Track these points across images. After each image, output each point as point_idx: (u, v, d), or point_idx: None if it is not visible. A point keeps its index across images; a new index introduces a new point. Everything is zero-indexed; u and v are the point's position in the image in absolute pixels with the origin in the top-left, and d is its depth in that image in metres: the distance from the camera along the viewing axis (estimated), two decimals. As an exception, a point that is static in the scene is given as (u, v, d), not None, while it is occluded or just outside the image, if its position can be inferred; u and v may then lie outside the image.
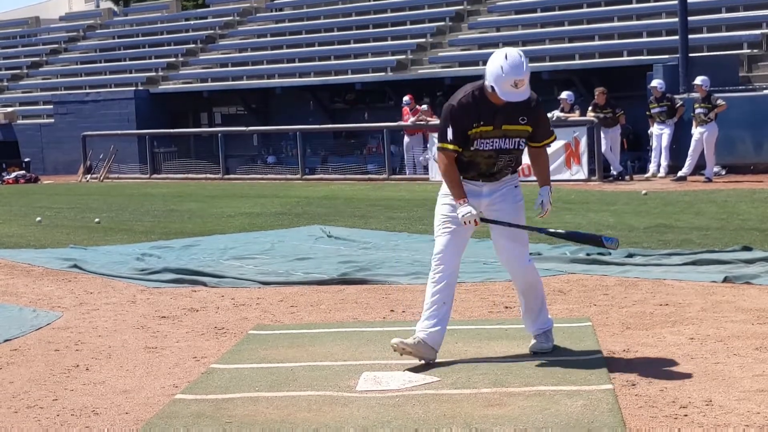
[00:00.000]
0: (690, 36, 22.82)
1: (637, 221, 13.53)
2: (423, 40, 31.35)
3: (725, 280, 8.79)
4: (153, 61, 38.05)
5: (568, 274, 9.52)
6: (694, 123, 20.59)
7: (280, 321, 7.92)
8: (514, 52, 6.10)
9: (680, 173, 20.60)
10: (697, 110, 20.48)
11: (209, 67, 36.02)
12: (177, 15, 42.08)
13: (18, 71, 42.72)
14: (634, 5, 27.91)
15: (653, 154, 21.78)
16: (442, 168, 6.33)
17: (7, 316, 8.34)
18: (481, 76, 6.26)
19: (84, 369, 6.47)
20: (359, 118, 29.70)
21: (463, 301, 8.25)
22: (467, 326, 7.31)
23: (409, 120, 25.11)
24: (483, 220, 6.27)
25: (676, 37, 22.91)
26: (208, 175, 28.53)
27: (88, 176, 30.99)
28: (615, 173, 21.76)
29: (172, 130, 31.69)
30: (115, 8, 49.80)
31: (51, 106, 35.75)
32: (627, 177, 21.68)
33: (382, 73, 30.19)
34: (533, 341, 6.47)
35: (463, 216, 6.17)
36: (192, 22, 40.35)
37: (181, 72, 36.54)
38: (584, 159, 21.67)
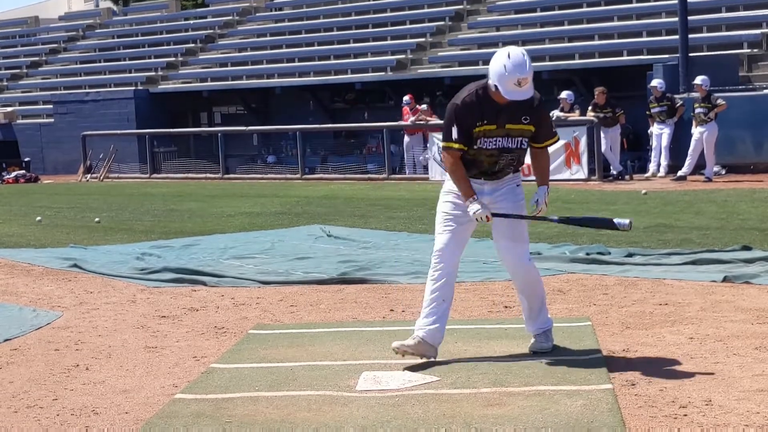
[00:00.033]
0: (690, 35, 22.81)
1: (637, 221, 13.42)
2: (423, 39, 31.34)
3: (725, 279, 8.79)
4: (152, 60, 38.04)
5: (567, 274, 9.52)
6: (694, 123, 20.58)
7: (280, 320, 7.93)
8: (517, 51, 6.12)
9: (680, 173, 20.60)
10: (697, 110, 20.47)
11: (209, 67, 36.02)
12: (176, 15, 42.07)
13: (17, 71, 42.71)
14: (634, 5, 27.90)
15: (653, 153, 21.78)
16: (448, 167, 6.35)
17: (7, 315, 8.34)
18: (480, 76, 6.28)
19: (84, 369, 6.47)
20: (359, 118, 29.70)
21: (462, 301, 8.25)
22: (467, 326, 7.32)
23: (409, 120, 25.11)
24: (494, 215, 6.28)
25: (676, 37, 22.91)
26: (208, 175, 28.52)
27: (88, 176, 30.99)
28: (615, 173, 21.76)
29: (171, 130, 31.68)
30: (115, 8, 49.77)
31: (51, 106, 35.74)
32: (627, 177, 21.68)
33: (382, 73, 30.19)
34: (533, 341, 6.48)
35: (474, 213, 6.19)
36: (191, 22, 40.34)
37: (180, 72, 36.53)
38: (584, 159, 21.67)
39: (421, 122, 24.69)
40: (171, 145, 31.50)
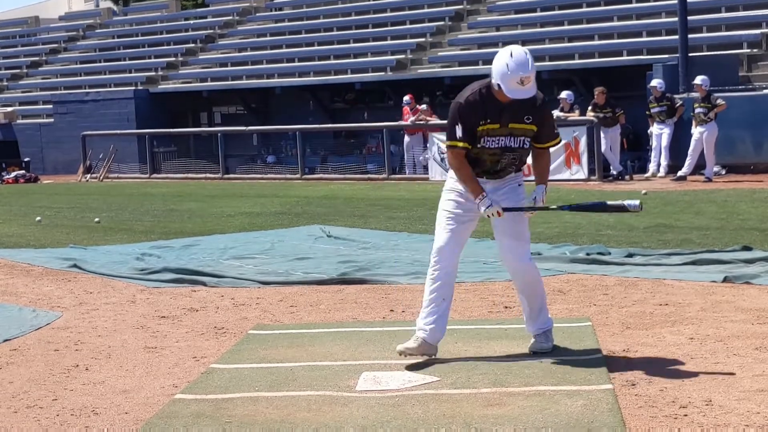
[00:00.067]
0: (690, 35, 22.82)
1: (637, 221, 13.52)
2: (423, 39, 31.35)
3: (725, 279, 8.79)
4: (152, 60, 38.05)
5: (568, 274, 9.52)
6: (693, 123, 20.59)
7: (280, 321, 7.92)
8: (520, 50, 6.14)
9: (680, 173, 20.60)
10: (697, 110, 20.48)
11: (209, 67, 36.02)
12: (176, 15, 42.08)
13: (18, 71, 42.72)
14: (634, 5, 27.91)
15: (653, 153, 21.78)
16: (453, 166, 6.35)
17: (7, 316, 8.34)
18: (480, 76, 6.29)
19: (84, 369, 6.47)
20: (359, 118, 29.70)
21: (462, 301, 8.25)
22: (467, 326, 7.31)
23: (408, 120, 25.11)
24: (506, 209, 6.29)
25: (676, 37, 22.91)
26: (208, 175, 28.53)
27: (88, 176, 30.99)
28: (615, 173, 21.76)
29: (171, 130, 31.69)
30: (115, 8, 49.79)
31: (51, 106, 35.75)
32: (627, 177, 21.68)
33: (382, 73, 30.19)
34: (533, 341, 6.48)
35: (486, 210, 6.21)
36: (191, 22, 40.35)
37: (180, 72, 36.54)
38: (584, 159, 21.67)
39: (421, 122, 24.69)
40: (171, 145, 31.51)
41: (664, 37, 25.48)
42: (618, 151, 22.11)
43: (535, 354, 6.36)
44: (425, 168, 24.74)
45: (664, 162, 21.50)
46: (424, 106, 25.11)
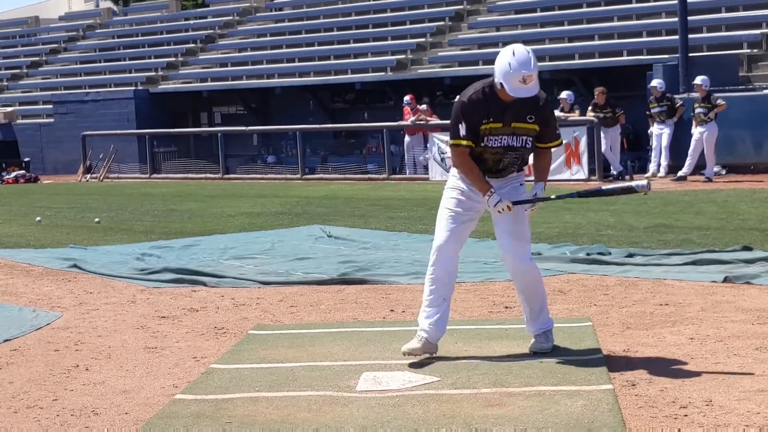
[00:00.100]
0: (690, 36, 22.82)
1: (637, 221, 13.53)
2: (423, 39, 31.35)
3: (725, 280, 8.78)
4: (153, 60, 38.05)
5: (568, 274, 9.51)
6: (694, 123, 20.59)
7: (280, 321, 7.92)
8: (522, 49, 6.15)
9: (680, 173, 20.60)
10: (697, 110, 20.48)
11: (209, 67, 36.02)
12: (177, 15, 42.08)
13: (18, 71, 42.72)
14: (634, 5, 27.91)
15: (653, 153, 21.78)
16: (458, 165, 6.36)
17: (7, 316, 8.34)
18: (481, 76, 6.31)
19: (84, 369, 6.47)
20: (359, 118, 29.70)
21: (463, 301, 8.25)
22: (467, 326, 7.31)
23: (409, 120, 25.11)
24: (515, 203, 6.29)
25: (676, 37, 22.91)
26: (208, 175, 28.53)
27: (88, 176, 30.99)
28: (615, 173, 21.76)
29: (171, 130, 31.69)
30: (115, 8, 49.79)
31: (51, 106, 35.75)
32: (627, 177, 21.65)
33: (382, 73, 30.19)
34: (533, 341, 6.47)
35: (496, 206, 6.22)
36: (192, 22, 40.35)
37: (180, 72, 36.54)
38: (584, 159, 21.67)
39: (421, 122, 24.69)
40: (171, 145, 31.52)
41: (665, 37, 25.48)
42: (618, 151, 22.11)
43: (535, 354, 6.36)
44: (425, 168, 24.73)
45: (664, 162, 21.50)
46: (424, 107, 25.11)
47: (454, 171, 6.50)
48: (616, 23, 27.63)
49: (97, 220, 16.46)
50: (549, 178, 6.59)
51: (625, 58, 25.52)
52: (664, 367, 5.97)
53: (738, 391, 5.41)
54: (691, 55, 22.59)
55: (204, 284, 9.67)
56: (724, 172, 21.10)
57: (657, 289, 8.62)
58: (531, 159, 6.55)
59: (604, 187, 6.89)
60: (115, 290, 9.56)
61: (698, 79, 20.34)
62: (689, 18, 22.83)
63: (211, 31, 38.54)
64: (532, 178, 6.46)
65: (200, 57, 37.00)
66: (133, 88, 34.94)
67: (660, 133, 21.46)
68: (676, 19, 23.08)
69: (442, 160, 23.07)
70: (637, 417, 5.05)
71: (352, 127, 29.07)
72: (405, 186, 22.66)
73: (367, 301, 8.63)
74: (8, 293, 9.54)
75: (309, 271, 10.28)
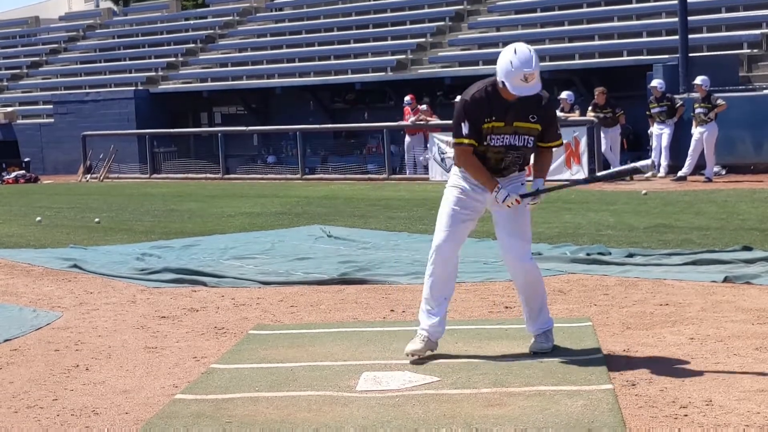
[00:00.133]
0: (690, 36, 22.82)
1: (637, 221, 13.53)
2: (423, 39, 31.35)
3: (725, 280, 8.78)
4: (153, 60, 38.06)
5: (568, 274, 9.51)
6: (694, 123, 20.59)
7: (280, 321, 7.92)
8: (524, 47, 6.17)
9: (680, 173, 20.61)
10: (697, 110, 20.48)
11: (209, 67, 36.03)
12: (177, 15, 42.08)
13: (18, 71, 42.73)
14: (634, 5, 27.91)
15: (653, 153, 21.76)
16: (463, 164, 6.36)
17: (7, 316, 8.34)
18: (481, 76, 6.31)
19: (84, 369, 6.47)
20: (359, 118, 29.71)
21: (463, 301, 8.25)
22: (467, 326, 7.31)
23: (409, 120, 25.11)
24: (523, 196, 6.30)
25: (676, 37, 22.91)
26: (208, 175, 28.53)
27: (88, 176, 31.00)
28: (615, 173, 21.73)
29: (171, 130, 31.70)
30: (115, 8, 49.80)
31: (51, 106, 35.76)
32: (627, 177, 21.66)
33: (382, 73, 30.20)
34: (533, 341, 6.48)
35: (504, 200, 6.23)
36: (192, 22, 40.35)
37: (180, 72, 36.54)
38: (584, 159, 21.67)
39: (421, 122, 24.69)
40: (171, 145, 31.52)
41: (665, 38, 25.48)
42: (618, 152, 22.12)
43: (535, 354, 6.36)
44: (426, 168, 24.74)
45: (664, 162, 21.50)
46: (424, 107, 25.11)
47: (455, 170, 6.51)
48: (616, 23, 27.63)
49: (97, 220, 16.46)
50: (549, 178, 6.59)
51: (625, 58, 25.53)
52: (664, 367, 5.97)
53: (738, 391, 5.42)
54: (691, 55, 22.60)
55: (204, 284, 9.67)
56: (724, 172, 21.10)
57: (657, 289, 8.62)
58: (531, 159, 6.55)
59: (610, 171, 6.91)
60: (116, 290, 9.56)
61: (698, 79, 20.34)
62: (689, 18, 22.83)
63: (211, 31, 38.55)
64: (531, 178, 6.46)
65: (200, 57, 37.01)
66: (133, 88, 34.94)
67: (660, 133, 21.46)
68: (676, 19, 23.09)
69: (442, 160, 23.08)
70: (637, 417, 5.05)
71: (352, 127, 29.07)
72: (405, 186, 22.67)
73: (367, 301, 8.63)
74: (8, 293, 9.54)
75: (309, 271, 10.28)
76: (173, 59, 37.37)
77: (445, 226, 6.38)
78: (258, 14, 38.45)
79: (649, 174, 6.62)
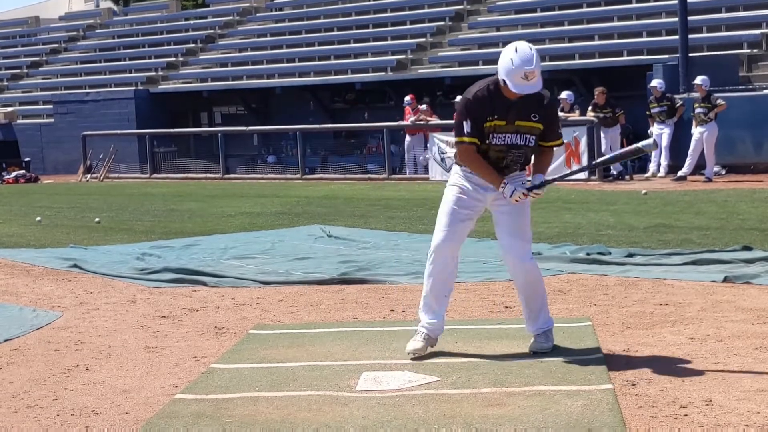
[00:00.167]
0: (690, 36, 22.82)
1: (637, 221, 13.53)
2: (423, 39, 31.35)
3: (725, 279, 8.78)
4: (153, 60, 38.06)
5: (568, 274, 9.51)
6: (694, 123, 20.60)
7: (280, 321, 7.92)
8: (525, 45, 6.19)
9: (680, 173, 20.61)
10: (697, 110, 20.49)
11: (209, 67, 36.03)
12: (177, 15, 42.09)
13: (18, 71, 42.73)
14: (634, 5, 27.91)
15: (653, 153, 21.77)
16: (466, 162, 6.36)
17: (7, 315, 8.34)
18: (481, 76, 6.32)
19: (84, 369, 6.47)
20: (359, 118, 29.71)
21: (463, 301, 8.25)
22: (467, 326, 7.31)
23: (409, 120, 25.11)
24: (529, 189, 6.30)
25: (676, 37, 22.92)
26: (208, 175, 28.53)
27: (88, 176, 31.00)
28: (615, 173, 21.76)
29: (172, 130, 31.70)
30: (115, 8, 49.80)
31: (51, 106, 35.76)
32: (627, 177, 21.68)
33: (382, 73, 30.20)
34: (533, 341, 6.48)
35: (512, 196, 6.24)
36: (192, 22, 40.36)
37: (180, 72, 36.54)
38: (584, 159, 21.67)
39: (421, 122, 24.69)
40: (171, 145, 31.52)
41: (665, 38, 25.48)
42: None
43: (535, 354, 6.36)
44: (426, 168, 24.73)
45: (664, 162, 21.51)
46: (424, 107, 25.11)
47: (455, 169, 6.51)
48: (616, 23, 27.63)
49: (97, 220, 16.46)
50: (548, 178, 6.59)
51: (625, 58, 25.53)
52: (664, 367, 5.97)
53: (738, 391, 5.42)
54: (691, 55, 22.60)
55: (204, 284, 9.67)
56: (724, 172, 21.10)
57: (657, 288, 8.62)
58: (532, 159, 6.55)
59: (614, 153, 6.91)
60: (116, 290, 9.56)
61: (698, 79, 20.35)
62: (689, 18, 22.83)
63: (211, 31, 38.55)
64: (530, 178, 6.46)
65: (200, 57, 37.01)
66: (133, 88, 34.95)
67: (660, 133, 21.44)
68: (676, 19, 23.09)
69: (442, 160, 23.07)
70: (637, 417, 5.05)
71: (352, 127, 29.08)
72: (405, 186, 22.66)
73: (367, 300, 8.63)
74: (8, 293, 9.54)
75: (309, 270, 10.28)
76: (173, 59, 37.38)
77: (444, 226, 6.39)
78: (258, 14, 38.46)
79: (649, 153, 6.60)
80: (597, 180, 21.31)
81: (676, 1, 22.83)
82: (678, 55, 22.61)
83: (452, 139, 6.60)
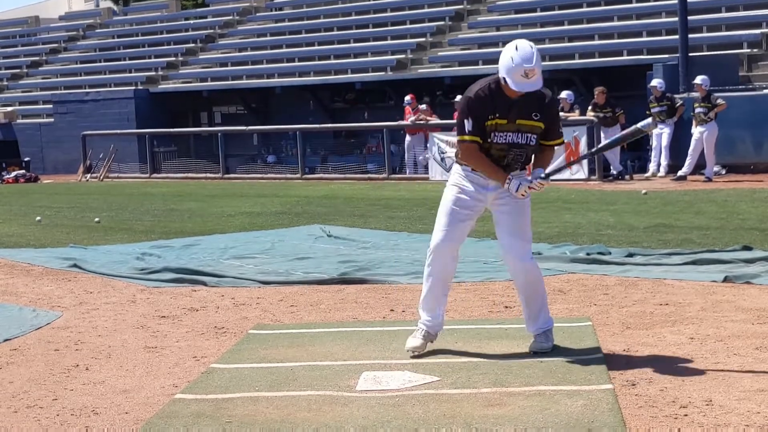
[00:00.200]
0: (690, 35, 22.82)
1: (637, 221, 13.53)
2: (423, 39, 31.36)
3: (725, 279, 8.78)
4: (153, 60, 38.06)
5: (568, 274, 9.51)
6: (694, 122, 20.60)
7: (280, 320, 7.92)
8: (525, 43, 6.20)
9: (680, 173, 20.61)
10: (697, 110, 20.49)
11: (209, 67, 36.03)
12: (176, 14, 42.09)
13: (18, 71, 42.73)
14: (634, 5, 27.91)
15: (653, 153, 21.80)
16: (468, 160, 6.36)
17: (7, 315, 8.34)
18: (480, 76, 6.31)
19: (84, 369, 6.47)
20: (359, 118, 29.71)
21: (463, 301, 8.25)
22: (467, 326, 7.31)
23: (409, 119, 25.11)
24: (532, 181, 6.30)
25: (676, 37, 22.92)
26: (208, 175, 28.53)
27: (88, 175, 30.99)
28: (615, 173, 21.76)
29: (171, 130, 31.70)
30: (115, 8, 49.79)
31: (51, 106, 35.75)
32: (627, 176, 21.68)
33: (382, 73, 30.20)
34: (533, 341, 6.47)
35: (518, 191, 6.24)
36: (191, 22, 40.36)
37: (180, 71, 36.54)
38: (584, 159, 21.67)
39: (421, 122, 24.69)
40: (171, 145, 31.52)
41: (664, 37, 25.48)
42: (618, 151, 22.09)
43: (535, 354, 6.36)
44: (426, 168, 24.73)
45: (664, 162, 21.52)
46: (424, 106, 25.11)
47: (456, 168, 6.51)
48: (616, 23, 27.63)
49: (97, 219, 16.46)
50: (550, 170, 6.57)
51: (625, 58, 25.52)
52: (664, 367, 5.97)
53: (738, 391, 5.41)
54: (691, 54, 22.60)
55: (204, 284, 9.67)
56: (724, 171, 21.11)
57: (657, 288, 8.62)
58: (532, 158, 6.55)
59: (614, 137, 6.92)
60: (115, 290, 9.56)
61: (698, 79, 20.35)
62: (689, 18, 22.84)
63: (211, 31, 38.54)
64: (530, 177, 6.46)
65: (200, 57, 37.01)
66: (133, 87, 34.95)
67: (660, 133, 21.46)
68: (676, 19, 23.09)
69: (442, 159, 23.07)
70: (637, 417, 5.05)
71: (352, 126, 29.08)
72: (405, 186, 22.66)
73: (367, 300, 8.63)
74: (8, 293, 9.54)
75: (309, 270, 10.28)
76: (173, 59, 37.37)
77: (443, 226, 6.39)
78: (258, 14, 38.46)
79: (649, 132, 6.59)
80: (597, 180, 21.31)
81: (676, 1, 22.83)
82: (678, 55, 22.62)
83: (452, 138, 6.59)
